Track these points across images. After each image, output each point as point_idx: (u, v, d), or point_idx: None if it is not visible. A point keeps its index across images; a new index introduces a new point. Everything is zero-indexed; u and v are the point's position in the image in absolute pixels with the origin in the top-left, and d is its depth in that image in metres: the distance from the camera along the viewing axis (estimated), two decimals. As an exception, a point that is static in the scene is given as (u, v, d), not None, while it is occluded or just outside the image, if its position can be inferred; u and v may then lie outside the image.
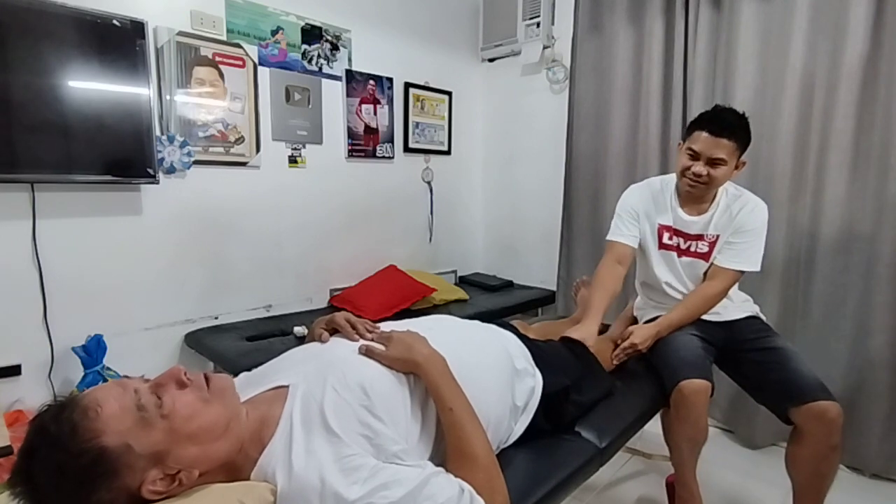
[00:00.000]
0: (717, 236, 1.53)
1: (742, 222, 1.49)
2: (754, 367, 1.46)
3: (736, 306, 1.59)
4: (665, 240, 1.61)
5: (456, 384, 0.91)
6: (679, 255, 1.59)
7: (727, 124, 1.42)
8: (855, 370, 1.87)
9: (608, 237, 1.67)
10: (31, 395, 1.78)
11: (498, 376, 1.06)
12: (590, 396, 1.29)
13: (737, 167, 1.48)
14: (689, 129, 1.51)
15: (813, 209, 1.96)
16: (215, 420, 0.74)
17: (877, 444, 1.83)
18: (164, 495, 0.69)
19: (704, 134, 1.43)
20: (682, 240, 1.59)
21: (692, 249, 1.57)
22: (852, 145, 1.86)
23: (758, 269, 1.51)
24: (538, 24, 2.84)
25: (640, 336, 1.48)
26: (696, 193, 1.51)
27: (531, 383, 1.14)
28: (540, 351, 1.23)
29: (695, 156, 1.46)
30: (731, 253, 1.51)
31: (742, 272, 1.51)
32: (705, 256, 1.55)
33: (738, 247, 1.50)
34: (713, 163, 1.43)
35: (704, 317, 1.56)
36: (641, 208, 1.63)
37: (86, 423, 0.66)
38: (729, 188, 1.55)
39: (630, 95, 2.46)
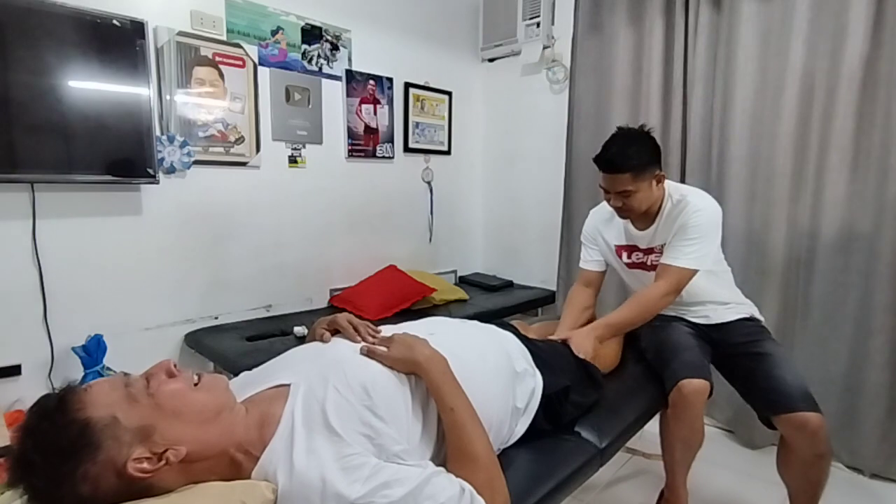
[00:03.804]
0: (664, 244, 1.50)
1: (682, 223, 1.45)
2: (742, 372, 1.47)
3: (726, 309, 1.57)
4: (625, 259, 1.64)
5: (457, 384, 0.91)
6: (647, 271, 1.58)
7: (611, 161, 1.42)
8: (855, 370, 1.87)
9: (580, 263, 1.77)
10: (31, 395, 1.73)
11: (499, 379, 1.07)
12: (590, 397, 1.29)
13: (658, 181, 1.47)
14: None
15: (813, 209, 1.96)
16: (203, 403, 0.76)
17: (877, 444, 1.83)
18: (150, 475, 0.68)
19: (601, 172, 1.47)
20: (640, 254, 1.60)
21: (650, 263, 1.57)
22: (852, 145, 1.86)
23: (702, 267, 1.45)
24: (538, 24, 2.84)
25: (578, 344, 1.37)
26: (629, 218, 1.55)
27: (531, 384, 1.14)
28: (540, 351, 1.23)
29: (606, 191, 1.49)
30: (673, 249, 1.46)
31: (686, 269, 1.44)
32: None
33: (679, 244, 1.45)
34: (622, 195, 1.45)
35: (694, 319, 1.57)
36: (598, 232, 1.70)
37: (74, 396, 0.69)
38: (674, 195, 1.51)
39: (630, 95, 2.46)
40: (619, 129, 1.52)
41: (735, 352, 1.49)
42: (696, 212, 1.45)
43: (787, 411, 1.31)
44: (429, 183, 3.10)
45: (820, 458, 1.32)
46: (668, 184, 1.54)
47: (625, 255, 1.64)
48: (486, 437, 0.88)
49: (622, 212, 1.52)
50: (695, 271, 1.45)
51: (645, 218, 1.54)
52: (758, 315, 1.60)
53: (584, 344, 1.38)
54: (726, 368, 1.52)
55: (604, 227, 1.69)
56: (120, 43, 1.79)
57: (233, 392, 0.84)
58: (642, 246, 1.58)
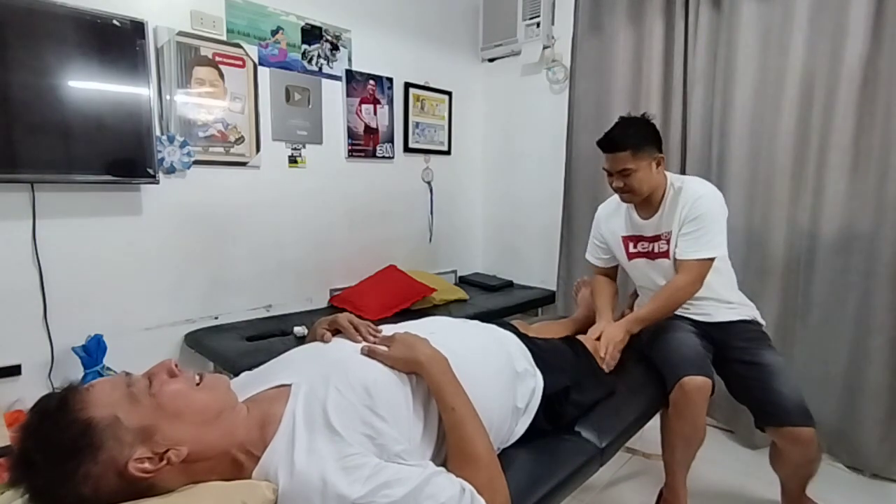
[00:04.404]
0: (670, 232, 1.55)
1: (688, 212, 1.50)
2: (738, 380, 1.48)
3: (727, 308, 1.58)
4: (631, 249, 1.66)
5: (458, 384, 0.91)
6: (652, 259, 1.61)
7: (611, 140, 1.51)
8: (855, 370, 1.87)
9: (588, 257, 1.85)
10: (31, 395, 1.74)
11: (499, 379, 1.07)
12: (590, 396, 1.29)
13: (658, 164, 1.52)
14: None
15: (813, 209, 1.96)
16: (204, 403, 0.76)
17: (877, 444, 1.83)
18: (151, 475, 0.68)
19: (603, 153, 1.53)
20: (646, 244, 1.62)
21: (656, 250, 1.60)
22: (852, 145, 1.86)
23: (719, 253, 1.50)
24: (538, 24, 2.84)
25: (609, 336, 1.48)
26: (632, 202, 1.59)
27: (532, 384, 1.14)
28: (540, 350, 1.24)
29: (609, 173, 1.54)
30: (685, 243, 1.51)
31: (704, 260, 1.49)
32: (667, 254, 1.57)
33: (690, 236, 1.50)
34: (622, 174, 1.49)
35: (695, 317, 1.58)
36: (605, 228, 1.74)
37: (76, 396, 0.69)
38: (675, 182, 1.56)
39: (630, 95, 2.46)
40: (622, 117, 1.58)
41: (733, 357, 1.49)
42: (698, 199, 1.49)
43: (779, 424, 1.34)
44: (429, 183, 3.10)
45: (810, 462, 1.37)
46: (668, 174, 1.58)
47: (630, 244, 1.66)
48: (486, 436, 0.88)
49: (624, 193, 1.55)
50: (712, 259, 1.50)
51: (648, 206, 1.58)
52: (759, 319, 1.60)
53: (615, 335, 1.48)
54: (723, 372, 1.53)
55: (608, 219, 1.72)
56: (120, 43, 1.79)
57: (234, 392, 0.84)
58: (648, 234, 1.61)
